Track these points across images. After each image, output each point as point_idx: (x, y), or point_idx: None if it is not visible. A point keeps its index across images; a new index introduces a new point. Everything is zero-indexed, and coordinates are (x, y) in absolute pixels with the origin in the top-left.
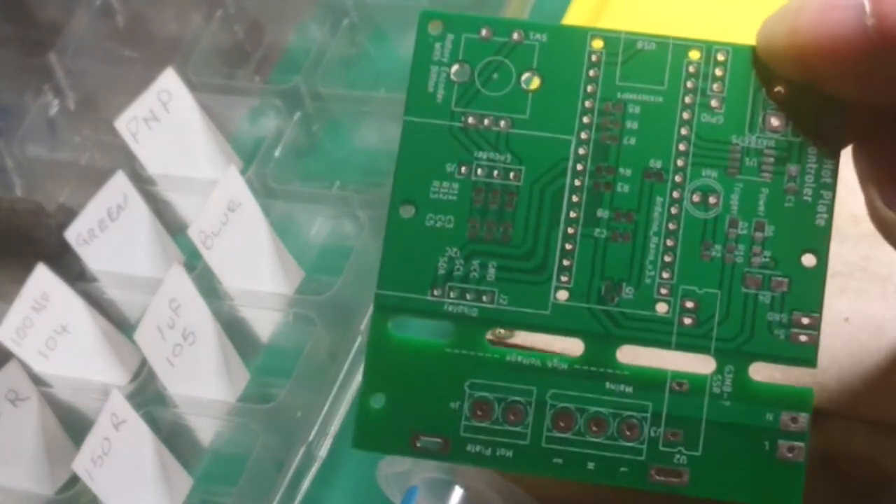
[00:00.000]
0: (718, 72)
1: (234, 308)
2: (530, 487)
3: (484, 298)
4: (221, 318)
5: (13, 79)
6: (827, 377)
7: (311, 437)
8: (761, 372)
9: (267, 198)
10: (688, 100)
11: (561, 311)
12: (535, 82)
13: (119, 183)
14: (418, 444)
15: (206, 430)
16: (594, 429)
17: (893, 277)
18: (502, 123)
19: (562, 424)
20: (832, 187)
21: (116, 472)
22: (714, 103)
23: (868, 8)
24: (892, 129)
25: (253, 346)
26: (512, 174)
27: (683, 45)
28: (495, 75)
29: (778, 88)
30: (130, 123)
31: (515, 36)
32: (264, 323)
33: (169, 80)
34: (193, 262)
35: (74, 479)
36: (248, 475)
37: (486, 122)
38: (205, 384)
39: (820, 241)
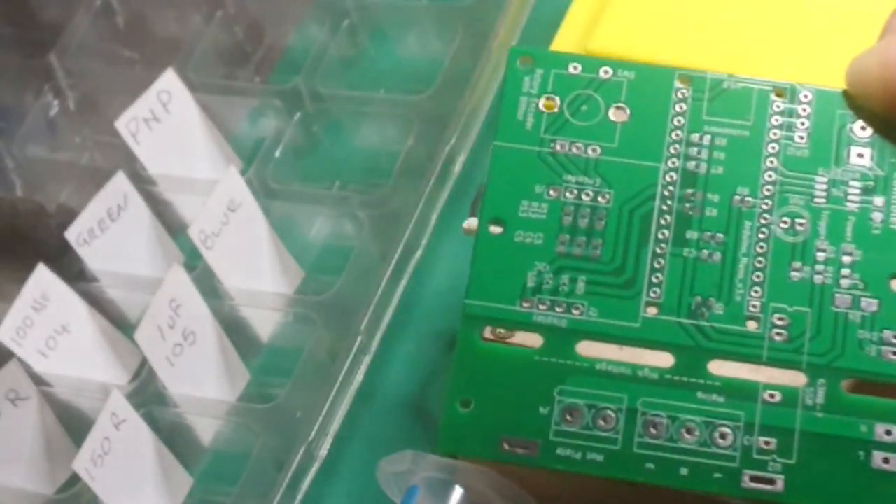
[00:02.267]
0: (802, 111)
1: (234, 308)
2: (530, 487)
3: (574, 311)
4: (221, 318)
5: (13, 79)
6: None
7: (311, 437)
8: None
9: (267, 198)
10: (773, 135)
11: (651, 325)
12: (624, 115)
13: (119, 183)
14: (507, 448)
15: (206, 429)
16: (686, 435)
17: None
18: (591, 151)
19: (653, 431)
20: None
21: (116, 471)
22: (799, 138)
23: None
24: None
25: (253, 346)
26: (601, 197)
27: (769, 86)
28: (584, 107)
29: (861, 126)
30: (131, 123)
31: (602, 73)
32: (264, 323)
33: (169, 81)
34: (193, 262)
35: (74, 479)
36: (248, 475)
37: (575, 148)
38: (205, 384)
39: None
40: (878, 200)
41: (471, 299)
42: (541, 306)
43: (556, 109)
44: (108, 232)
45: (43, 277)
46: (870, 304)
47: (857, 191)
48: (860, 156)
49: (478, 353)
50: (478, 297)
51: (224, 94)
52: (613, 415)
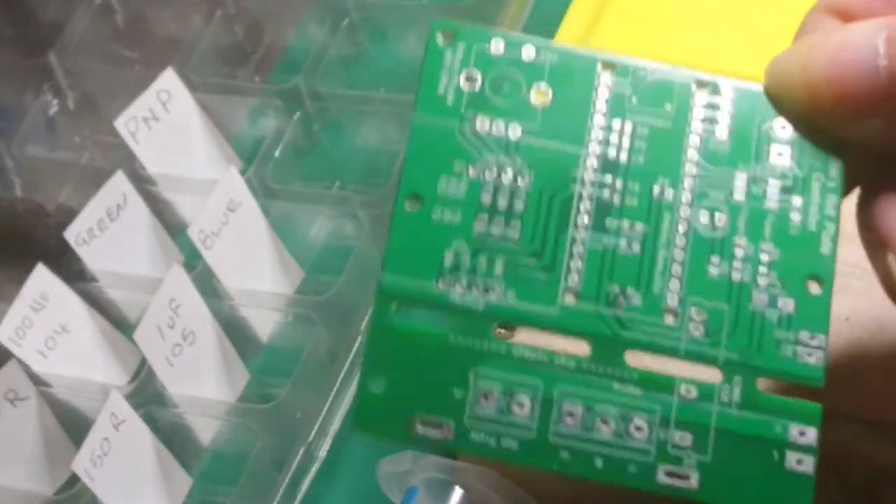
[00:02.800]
0: (724, 105)
1: (234, 308)
2: (531, 487)
3: (490, 293)
4: (221, 318)
5: (13, 79)
6: (827, 377)
7: (311, 437)
8: (769, 386)
9: (267, 198)
10: (694, 127)
11: (568, 313)
12: (546, 98)
13: (119, 183)
14: (419, 429)
15: (205, 430)
16: (602, 427)
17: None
18: (511, 131)
19: (569, 420)
20: (836, 220)
21: (116, 472)
22: (719, 133)
23: (882, 49)
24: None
25: (253, 346)
26: (521, 179)
27: (691, 79)
28: (506, 86)
29: (781, 125)
30: (130, 123)
31: (525, 54)
32: (264, 323)
33: (169, 80)
34: (193, 262)
35: (74, 479)
36: (248, 475)
37: (495, 128)
38: (204, 384)
39: (825, 268)
40: (797, 201)
41: (385, 276)
42: (457, 286)
43: (477, 86)
44: (108, 232)
45: (42, 277)
46: (787, 303)
47: (776, 190)
48: (780, 154)
49: (392, 332)
50: (393, 271)
51: (224, 94)
52: (528, 402)
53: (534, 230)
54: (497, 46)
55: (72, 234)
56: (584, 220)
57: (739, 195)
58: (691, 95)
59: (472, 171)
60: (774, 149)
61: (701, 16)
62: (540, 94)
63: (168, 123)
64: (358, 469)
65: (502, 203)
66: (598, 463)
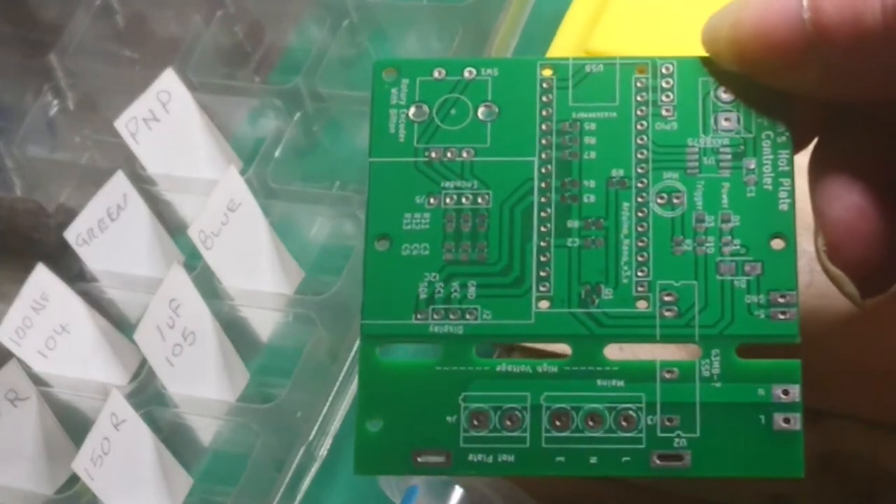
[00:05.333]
0: (666, 83)
1: (234, 308)
2: (530, 487)
3: (468, 316)
4: (221, 318)
5: (13, 79)
6: (826, 377)
7: (311, 437)
8: (747, 352)
9: (267, 198)
10: (640, 112)
11: (544, 319)
12: (493, 113)
13: (119, 183)
14: (420, 461)
15: (206, 429)
16: (591, 424)
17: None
18: (465, 153)
19: (559, 424)
20: (790, 174)
21: (116, 471)
22: (665, 112)
23: (805, 2)
24: (840, 126)
25: (253, 346)
26: (480, 198)
27: (630, 64)
28: (453, 111)
29: (724, 91)
30: (130, 123)
31: (467, 74)
32: (264, 323)
33: (169, 81)
34: (193, 262)
35: (74, 479)
36: (248, 475)
37: (448, 154)
38: (205, 384)
39: (786, 225)
40: (750, 163)
41: (366, 319)
42: (435, 316)
43: (426, 117)
44: (108, 232)
45: (42, 277)
46: (753, 267)
47: (729, 156)
48: (727, 120)
49: (380, 372)
50: (373, 316)
51: (224, 94)
52: (519, 414)
53: (499, 247)
54: (440, 73)
55: (72, 234)
56: (547, 226)
57: (693, 170)
58: (632, 81)
59: (433, 201)
60: (721, 116)
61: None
62: (487, 111)
63: (168, 124)
64: None
65: (465, 227)
66: (593, 460)
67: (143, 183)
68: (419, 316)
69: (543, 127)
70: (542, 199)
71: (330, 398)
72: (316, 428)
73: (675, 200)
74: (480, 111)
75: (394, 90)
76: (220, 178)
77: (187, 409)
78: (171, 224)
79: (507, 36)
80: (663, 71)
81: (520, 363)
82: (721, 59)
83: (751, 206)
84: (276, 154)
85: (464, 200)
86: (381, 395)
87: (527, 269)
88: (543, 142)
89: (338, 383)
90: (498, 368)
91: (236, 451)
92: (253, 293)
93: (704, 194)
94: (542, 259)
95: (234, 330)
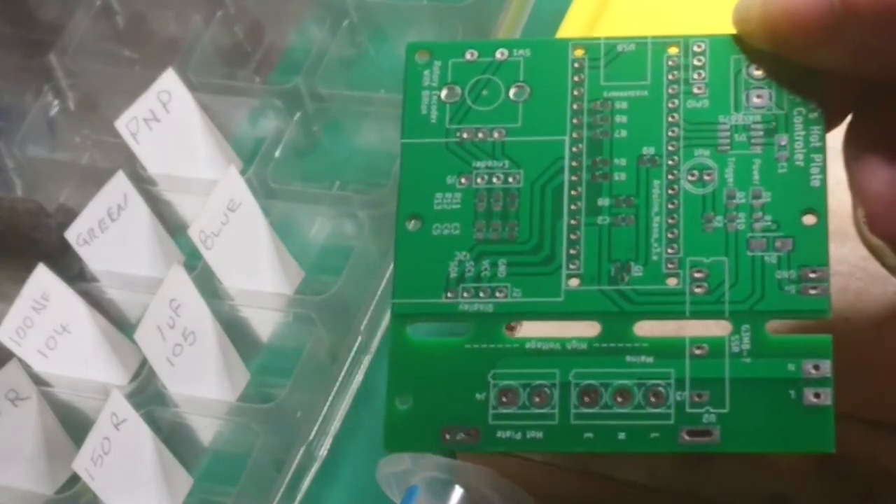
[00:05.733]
0: (697, 62)
1: (234, 308)
2: (530, 487)
3: (497, 294)
4: (221, 318)
5: (13, 79)
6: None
7: (311, 437)
8: (779, 329)
9: (267, 198)
10: (671, 90)
11: (574, 297)
12: (525, 93)
13: (119, 183)
14: (448, 437)
15: (206, 429)
16: (620, 400)
17: (893, 278)
18: (496, 134)
19: (587, 400)
20: (822, 150)
21: (116, 471)
22: (697, 89)
23: None
24: (873, 103)
25: (253, 346)
26: (511, 178)
27: (662, 43)
28: (484, 92)
29: (755, 68)
30: (130, 123)
31: (499, 55)
32: (264, 323)
33: (169, 81)
34: (193, 262)
35: (74, 479)
36: (248, 475)
37: (480, 134)
38: (205, 384)
39: (818, 201)
40: (782, 139)
41: (397, 298)
42: (465, 294)
43: (458, 98)
44: (108, 232)
45: (43, 277)
46: (784, 243)
47: (760, 133)
48: (759, 97)
49: (410, 350)
50: (403, 295)
51: (224, 94)
52: (548, 391)
53: (530, 225)
54: (472, 55)
55: (72, 235)
56: (577, 204)
57: (724, 147)
58: (664, 59)
59: (464, 181)
60: (753, 93)
61: (701, 16)
62: (518, 91)
63: (168, 124)
64: (358, 469)
65: (496, 206)
66: (621, 436)
67: (143, 183)
68: (449, 294)
69: (575, 106)
70: (573, 178)
71: (330, 398)
72: (316, 428)
73: (706, 177)
74: (512, 91)
75: (426, 72)
76: (221, 178)
77: (187, 409)
78: (171, 224)
79: (507, 36)
80: (695, 49)
81: (549, 341)
82: (752, 38)
83: (782, 182)
84: (276, 154)
85: (495, 180)
86: (411, 373)
87: (557, 247)
88: (575, 121)
89: (338, 383)
90: (527, 346)
91: (236, 451)
92: (253, 293)
93: (735, 171)
94: (573, 237)
95: (235, 330)
